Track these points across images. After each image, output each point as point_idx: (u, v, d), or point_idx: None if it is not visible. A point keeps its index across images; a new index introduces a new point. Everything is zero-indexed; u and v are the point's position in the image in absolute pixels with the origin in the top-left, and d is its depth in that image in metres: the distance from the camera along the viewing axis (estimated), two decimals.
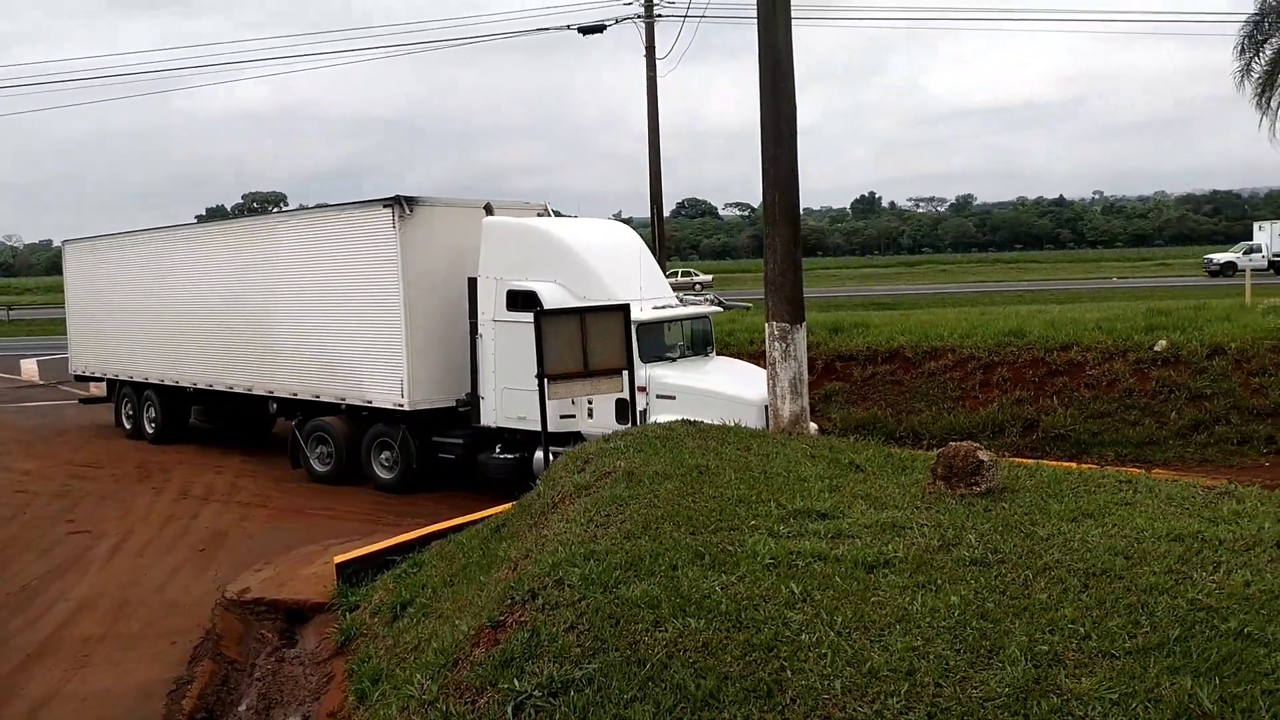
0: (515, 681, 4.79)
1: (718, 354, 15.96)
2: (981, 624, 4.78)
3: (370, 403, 15.86)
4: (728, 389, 13.52)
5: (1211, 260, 69.21)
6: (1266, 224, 68.46)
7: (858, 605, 5.08)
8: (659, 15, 26.13)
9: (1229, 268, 64.00)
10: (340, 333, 16.20)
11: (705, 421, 10.80)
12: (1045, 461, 10.10)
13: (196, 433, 21.00)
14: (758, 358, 15.56)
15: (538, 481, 9.54)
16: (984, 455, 7.24)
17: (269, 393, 17.82)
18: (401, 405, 15.26)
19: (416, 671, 5.85)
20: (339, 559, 10.23)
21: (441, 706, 5.08)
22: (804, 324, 11.39)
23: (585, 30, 25.97)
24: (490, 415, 14.69)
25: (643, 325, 13.73)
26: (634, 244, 15.85)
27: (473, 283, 14.88)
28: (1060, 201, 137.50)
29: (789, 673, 4.43)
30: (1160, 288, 50.59)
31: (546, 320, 11.61)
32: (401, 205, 15.00)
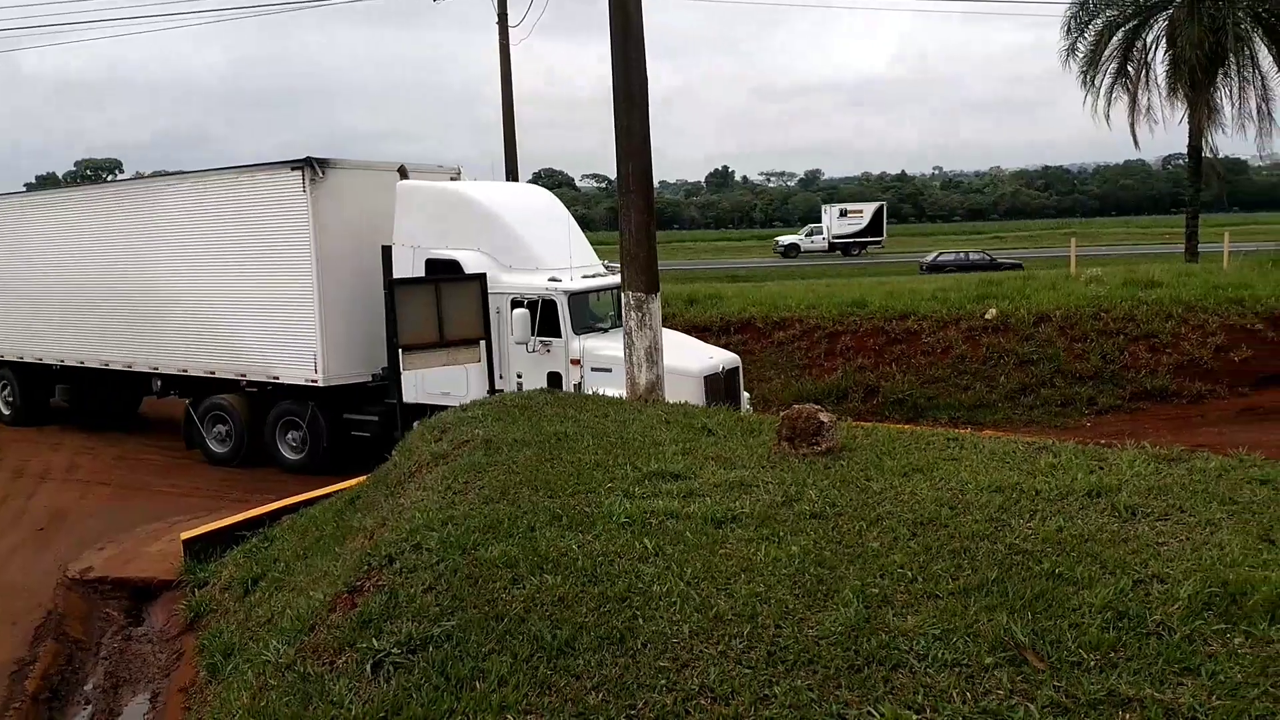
0: (374, 641, 4.88)
1: None
2: (819, 571, 5.10)
3: (276, 379, 14.94)
4: (668, 360, 12.61)
5: (779, 242, 71.43)
6: (830, 206, 71.13)
7: (706, 558, 5.34)
8: None
9: (793, 249, 67.04)
10: (242, 304, 15.16)
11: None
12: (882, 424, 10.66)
13: (57, 413, 19.55)
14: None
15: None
16: (824, 417, 7.62)
17: (153, 369, 16.62)
18: (314, 381, 14.43)
19: (272, 639, 5.85)
20: (186, 535, 9.99)
21: (299, 669, 5.12)
22: (659, 294, 11.58)
23: None
24: (411, 391, 13.35)
25: (574, 295, 13.20)
26: (558, 210, 15.19)
27: (387, 251, 14.03)
28: (902, 177, 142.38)
29: (641, 620, 4.66)
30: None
31: (401, 289, 11.54)
32: (313, 167, 14.07)
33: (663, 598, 4.86)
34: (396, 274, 13.56)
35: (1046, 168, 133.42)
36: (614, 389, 11.60)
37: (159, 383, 16.94)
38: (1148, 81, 27.56)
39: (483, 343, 11.79)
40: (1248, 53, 26.47)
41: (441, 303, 11.42)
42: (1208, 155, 28.45)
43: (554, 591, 5.01)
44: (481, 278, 12.01)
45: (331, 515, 8.94)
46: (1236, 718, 3.61)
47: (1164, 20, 27.08)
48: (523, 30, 51.71)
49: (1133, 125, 28.01)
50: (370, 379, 14.66)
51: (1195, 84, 25.99)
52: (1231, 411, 16.21)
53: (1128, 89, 27.73)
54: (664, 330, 15.33)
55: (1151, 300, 18.24)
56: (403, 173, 14.45)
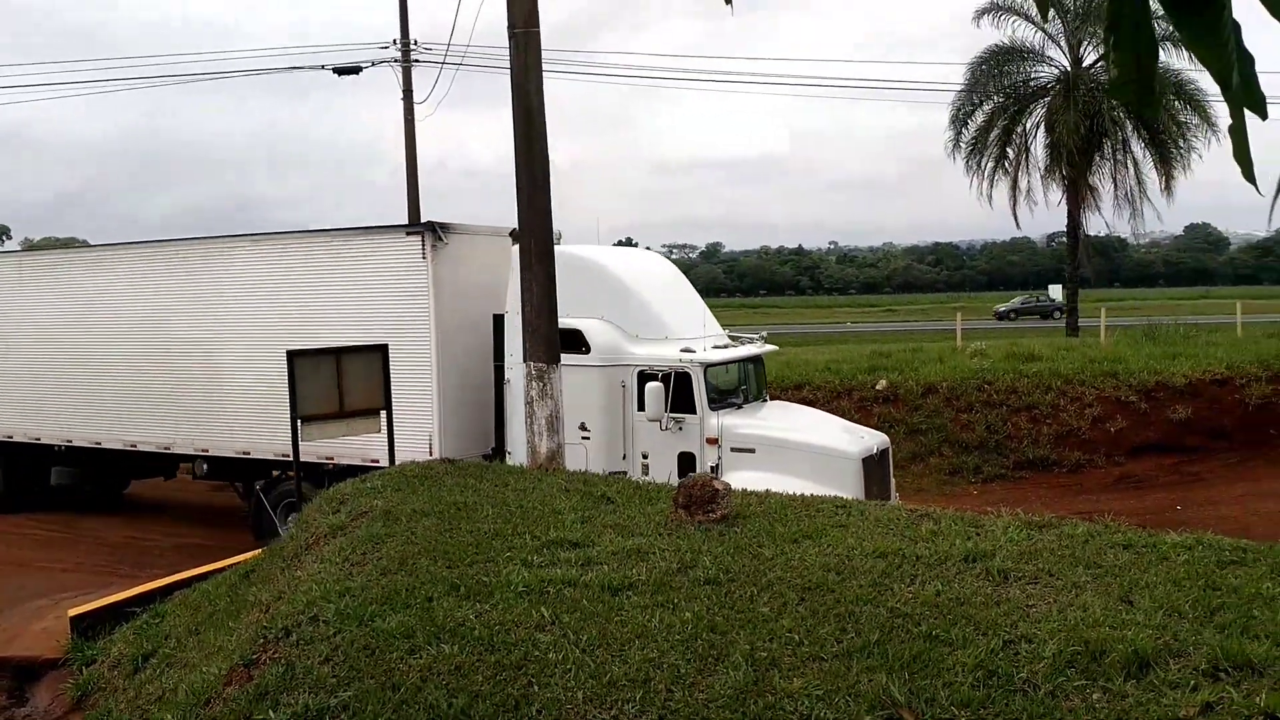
0: (270, 713, 4.88)
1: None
2: (711, 635, 5.28)
3: (375, 462, 12.75)
4: (821, 440, 11.79)
5: None
6: None
7: (603, 625, 5.48)
8: (416, 60, 26.26)
9: None
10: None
11: (789, 479, 9.55)
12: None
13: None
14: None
15: None
16: (719, 485, 7.86)
17: (201, 451, 14.94)
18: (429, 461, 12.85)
19: (166, 714, 5.77)
20: (73, 612, 9.67)
21: None
22: (560, 364, 11.76)
23: (340, 71, 25.74)
24: None
25: (710, 368, 12.09)
26: (678, 275, 14.23)
27: (500, 320, 12.97)
28: (800, 250, 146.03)
29: (536, 687, 4.77)
30: (889, 332, 54.76)
31: (300, 359, 11.49)
32: (435, 233, 13.10)
33: (558, 664, 4.98)
34: (509, 346, 12.66)
35: (937, 244, 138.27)
36: (762, 474, 10.35)
37: (205, 465, 15.36)
38: (1027, 165, 29.10)
39: (383, 413, 11.77)
40: (1121, 138, 28.16)
41: (342, 373, 11.41)
42: (1085, 234, 30.03)
43: (451, 661, 5.08)
44: (383, 348, 12.03)
45: (225, 589, 8.80)
46: None
47: (1043, 108, 28.70)
48: (429, 105, 52.12)
49: (1014, 206, 29.47)
50: (481, 459, 13.13)
51: (1071, 168, 27.53)
52: (1108, 480, 17.00)
53: (1008, 172, 29.24)
54: (784, 403, 14.27)
55: (1032, 373, 19.12)
56: (515, 237, 13.15)
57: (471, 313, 13.46)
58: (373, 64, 26.01)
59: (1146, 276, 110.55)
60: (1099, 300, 46.21)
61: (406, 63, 26.14)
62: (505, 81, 11.51)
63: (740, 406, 12.37)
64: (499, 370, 13.03)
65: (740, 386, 12.75)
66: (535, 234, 11.43)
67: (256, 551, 9.74)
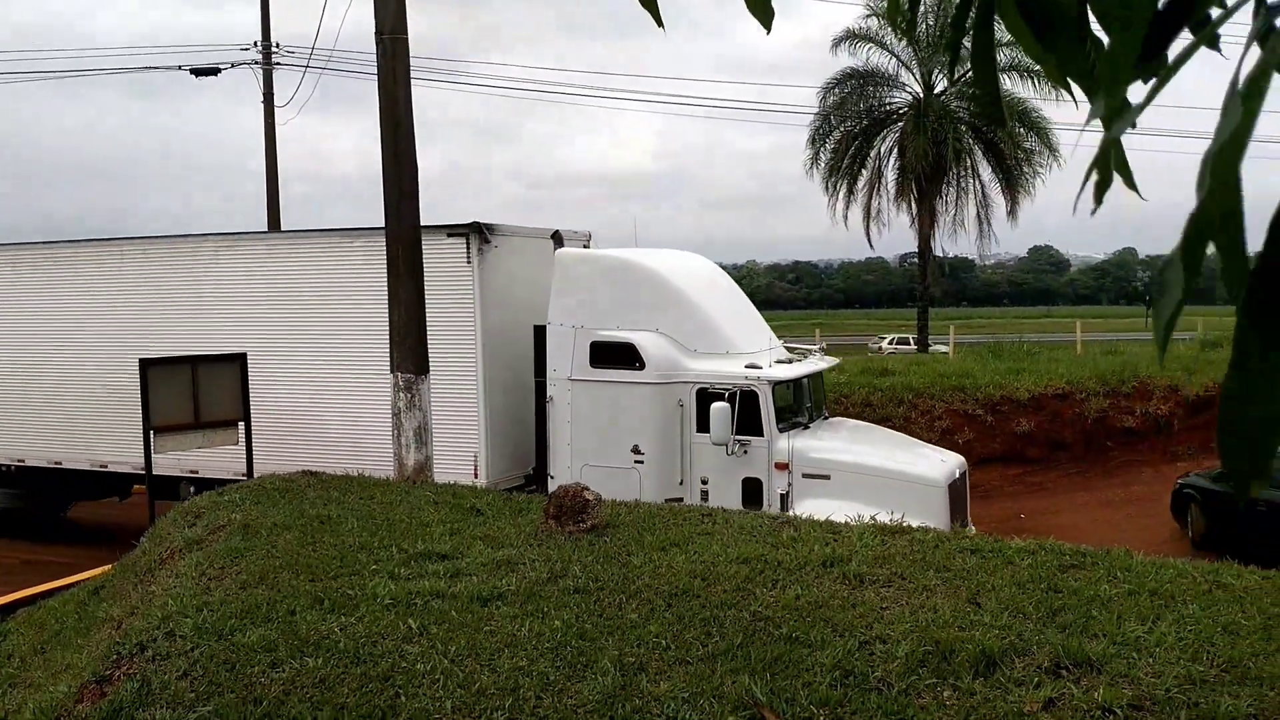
0: None
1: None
2: (580, 643, 5.34)
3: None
4: (903, 466, 10.83)
5: None
6: None
7: (471, 635, 5.48)
8: (278, 63, 25.62)
9: None
10: (371, 395, 12.51)
11: (869, 509, 8.79)
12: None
13: None
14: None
15: None
16: (589, 495, 7.93)
17: (190, 473, 13.51)
18: (475, 485, 11.67)
19: None
20: None
21: None
22: (429, 375, 11.59)
23: (198, 72, 24.92)
24: None
25: (779, 385, 11.08)
26: (731, 282, 13.26)
27: (541, 331, 11.89)
28: None
29: (403, 698, 4.74)
30: None
31: (153, 369, 11.09)
32: (481, 234, 12.11)
33: (426, 675, 4.96)
34: (553, 360, 11.68)
35: (796, 262, 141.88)
36: (837, 502, 9.69)
37: (193, 488, 13.54)
38: (880, 188, 30.21)
39: (241, 425, 11.45)
40: (969, 164, 29.51)
41: (198, 383, 11.06)
42: (934, 255, 31.34)
43: (315, 674, 5.00)
44: (241, 357, 11.71)
45: (73, 607, 8.41)
46: None
47: (896, 133, 29.86)
48: (292, 108, 50.79)
49: (867, 227, 30.55)
50: (523, 480, 12.54)
51: (921, 192, 28.73)
52: None
53: (863, 194, 30.33)
54: (851, 421, 13.33)
55: (885, 387, 19.83)
56: (558, 240, 12.59)
57: (510, 323, 12.47)
58: (232, 65, 25.26)
59: (993, 296, 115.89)
60: (947, 318, 48.21)
61: (268, 65, 25.46)
62: (374, 87, 11.38)
63: (807, 426, 11.40)
64: (539, 386, 11.97)
65: (805, 404, 11.73)
66: (404, 242, 11.31)
67: (106, 567, 9.33)
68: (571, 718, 4.56)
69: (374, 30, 11.16)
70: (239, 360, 11.58)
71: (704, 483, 10.99)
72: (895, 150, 29.79)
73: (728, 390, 10.80)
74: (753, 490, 10.78)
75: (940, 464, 11.04)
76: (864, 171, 30.18)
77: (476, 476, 12.08)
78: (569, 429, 11.48)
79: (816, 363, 12.04)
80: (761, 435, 10.77)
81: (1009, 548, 7.19)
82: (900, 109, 29.98)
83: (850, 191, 30.35)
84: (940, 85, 29.25)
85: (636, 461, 11.06)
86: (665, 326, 11.30)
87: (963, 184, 29.69)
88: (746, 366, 10.94)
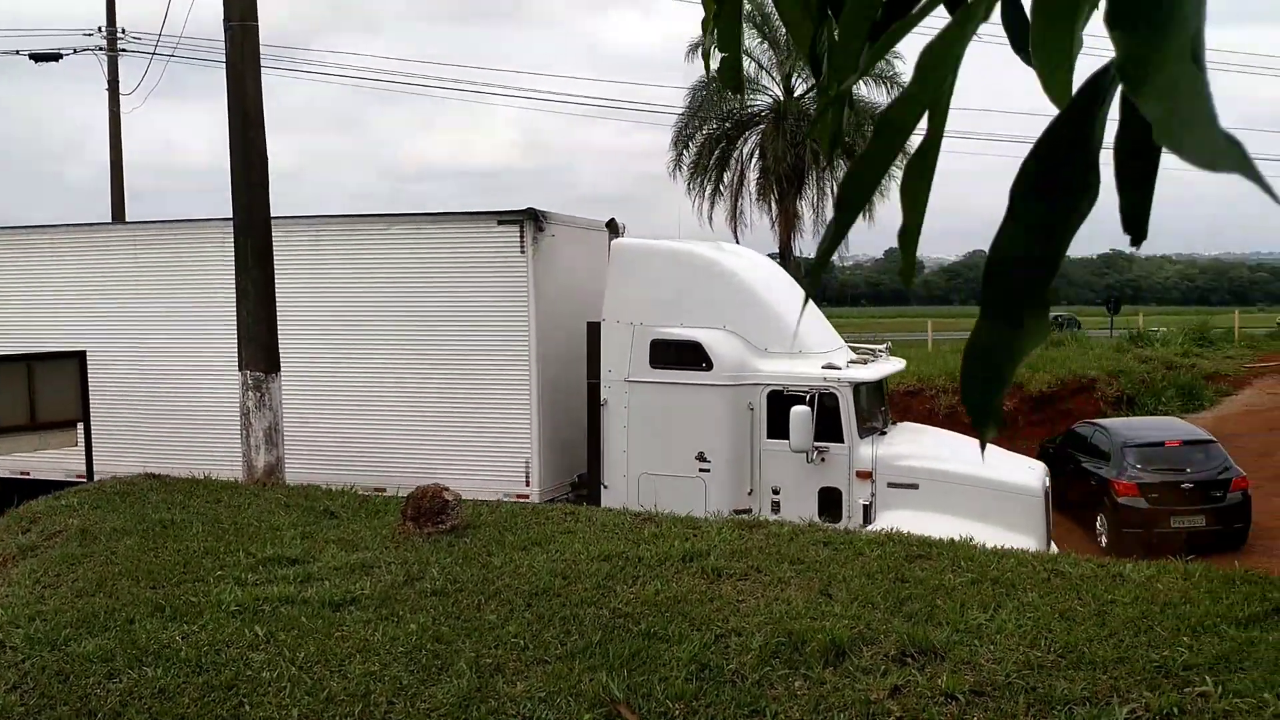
0: None
1: None
2: (436, 646, 5.25)
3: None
4: (998, 474, 9.83)
5: None
6: None
7: (322, 641, 5.32)
8: (124, 50, 24.44)
9: None
10: (400, 400, 11.65)
11: (960, 520, 8.33)
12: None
13: None
14: None
15: None
16: (449, 496, 7.81)
17: (21, 475, 12.27)
18: (526, 497, 10.98)
19: None
20: None
21: None
22: (280, 373, 11.20)
23: (37, 58, 23.57)
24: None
25: (860, 388, 10.26)
26: (788, 278, 12.34)
27: (594, 329, 10.95)
28: None
29: (248, 707, 4.57)
30: None
31: None
32: (536, 221, 11.12)
33: (272, 683, 4.80)
34: (608, 359, 10.76)
35: None
36: (926, 514, 9.07)
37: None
38: (743, 190, 30.75)
39: (80, 426, 10.87)
40: (827, 166, 30.25)
41: (34, 382, 10.45)
42: (795, 256, 32.04)
43: (154, 684, 4.78)
44: (80, 355, 11.09)
45: None
46: None
47: (757, 136, 30.41)
48: (138, 97, 48.54)
49: (733, 227, 31.06)
50: (569, 490, 11.79)
51: (782, 193, 29.35)
52: None
53: (727, 195, 30.79)
54: (920, 426, 12.42)
55: None
56: (613, 229, 11.60)
57: (562, 320, 11.49)
58: (75, 51, 23.98)
59: (850, 296, 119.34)
60: None
61: (112, 52, 24.28)
62: (222, 76, 10.96)
63: (883, 433, 10.64)
64: (593, 388, 11.00)
65: (879, 408, 11.01)
66: (253, 235, 10.93)
67: None
68: None
69: (223, 18, 10.76)
70: (78, 358, 10.99)
71: (775, 492, 10.25)
72: (757, 152, 30.33)
73: (805, 393, 10.05)
74: (830, 500, 10.05)
75: (1031, 471, 10.40)
76: (727, 173, 30.64)
77: (529, 485, 11.24)
78: (625, 435, 10.68)
79: (891, 364, 11.33)
80: (841, 441, 10.01)
81: (859, 539, 7.39)
82: (761, 111, 30.54)
83: (715, 193, 30.78)
84: (800, 89, 29.91)
85: (701, 470, 10.35)
86: (733, 324, 10.47)
87: (823, 186, 30.43)
88: (824, 367, 10.24)
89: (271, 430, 11.01)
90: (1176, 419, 17.83)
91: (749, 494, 10.16)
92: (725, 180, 30.62)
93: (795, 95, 29.98)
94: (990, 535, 7.96)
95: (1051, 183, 1.05)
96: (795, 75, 29.39)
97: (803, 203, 30.23)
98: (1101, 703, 4.57)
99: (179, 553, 6.93)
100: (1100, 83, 1.03)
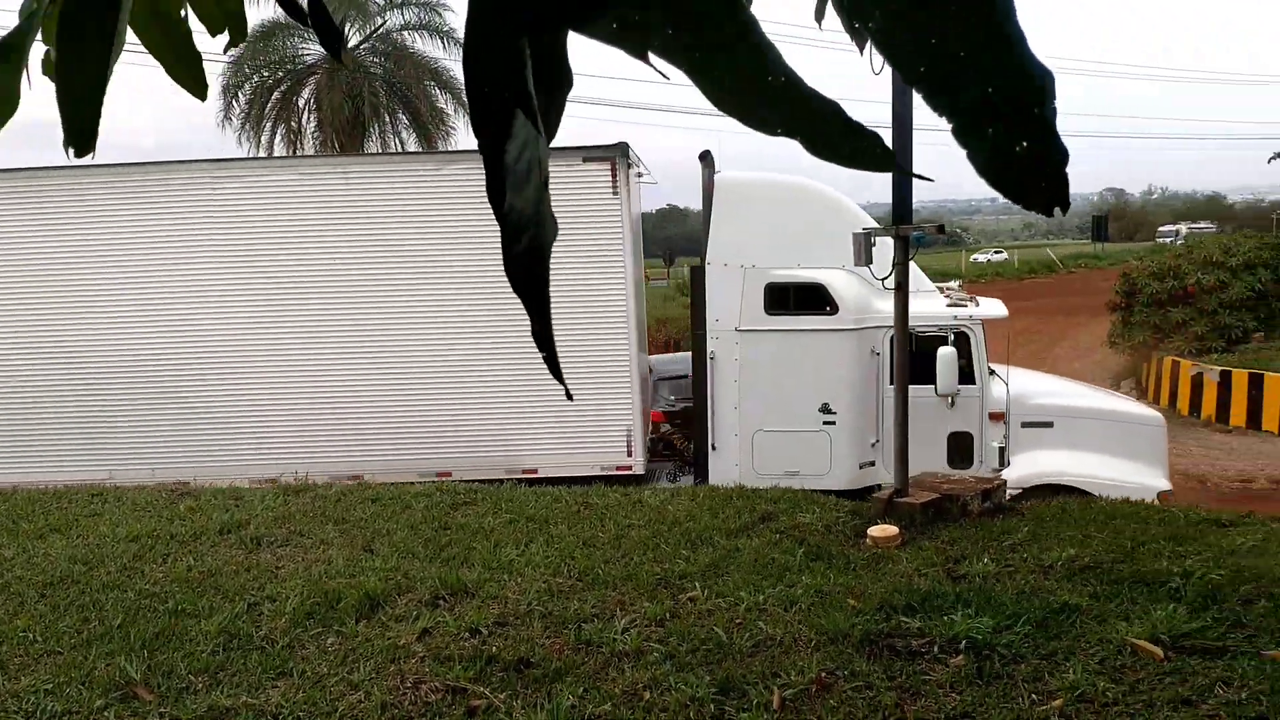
0: None
1: None
2: None
3: (534, 471, 9.64)
4: (1125, 406, 10.10)
5: None
6: None
7: None
8: None
9: None
10: (474, 364, 9.74)
11: (1093, 456, 8.77)
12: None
13: None
14: None
15: None
16: None
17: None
18: (625, 469, 9.72)
19: None
20: None
21: None
22: None
23: None
24: (731, 472, 9.24)
25: (990, 324, 9.69)
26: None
27: (698, 274, 9.79)
28: None
29: None
30: None
31: None
32: (629, 157, 9.61)
33: None
34: (714, 308, 9.55)
35: None
36: (1062, 452, 9.32)
37: None
38: (300, 142, 29.50)
39: None
40: (387, 119, 29.85)
41: None
42: None
43: None
44: None
45: None
46: (314, 705, 4.29)
47: (314, 85, 29.29)
48: None
49: None
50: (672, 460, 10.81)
51: (342, 145, 28.53)
52: None
53: (282, 148, 29.36)
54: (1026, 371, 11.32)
55: None
56: (707, 161, 10.07)
57: (636, 267, 10.48)
58: None
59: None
60: None
61: None
62: None
63: (993, 373, 9.93)
64: (698, 339, 9.82)
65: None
66: None
67: None
68: None
69: None
70: None
71: None
72: (313, 103, 29.25)
73: (937, 333, 9.45)
74: (961, 446, 9.52)
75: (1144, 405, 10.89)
76: (291, 123, 29.23)
77: (630, 456, 9.94)
78: (736, 389, 9.69)
79: (994, 302, 10.61)
80: (973, 383, 9.52)
81: (408, 493, 7.63)
82: (317, 62, 29.42)
83: (271, 145, 29.26)
84: (355, 39, 29.16)
85: (826, 423, 9.57)
86: (851, 262, 9.43)
87: (386, 139, 29.99)
88: (951, 305, 9.78)
89: None
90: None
91: (873, 445, 9.62)
92: (281, 133, 29.21)
93: (350, 46, 29.18)
94: (1123, 468, 8.88)
95: None
96: (350, 25, 28.60)
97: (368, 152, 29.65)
98: (607, 617, 5.14)
99: None
100: None
